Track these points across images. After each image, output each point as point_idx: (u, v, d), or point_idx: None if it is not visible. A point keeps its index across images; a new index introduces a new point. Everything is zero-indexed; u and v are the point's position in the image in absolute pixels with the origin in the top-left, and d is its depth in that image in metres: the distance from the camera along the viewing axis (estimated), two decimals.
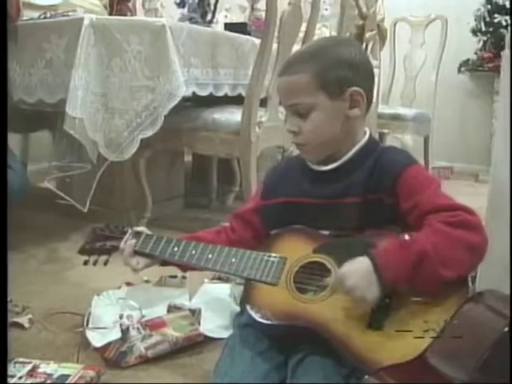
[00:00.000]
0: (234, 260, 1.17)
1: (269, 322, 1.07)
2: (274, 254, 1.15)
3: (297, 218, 1.18)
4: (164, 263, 1.30)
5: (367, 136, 1.20)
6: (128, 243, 1.28)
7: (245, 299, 1.15)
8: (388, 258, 1.01)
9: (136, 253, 1.27)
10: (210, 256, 1.20)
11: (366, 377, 0.90)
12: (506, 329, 0.86)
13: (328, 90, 1.13)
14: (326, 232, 1.15)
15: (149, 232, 1.31)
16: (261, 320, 1.08)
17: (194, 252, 1.21)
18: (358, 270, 1.01)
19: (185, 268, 1.33)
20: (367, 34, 2.93)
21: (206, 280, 1.66)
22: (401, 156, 1.16)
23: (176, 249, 1.23)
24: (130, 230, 1.31)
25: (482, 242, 1.02)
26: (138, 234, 1.29)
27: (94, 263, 1.35)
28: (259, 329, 1.11)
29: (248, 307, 1.11)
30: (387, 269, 0.99)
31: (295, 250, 1.14)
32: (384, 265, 1.00)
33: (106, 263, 1.35)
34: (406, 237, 1.02)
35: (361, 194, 1.12)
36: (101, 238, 1.36)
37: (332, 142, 1.17)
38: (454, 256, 1.00)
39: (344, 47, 1.20)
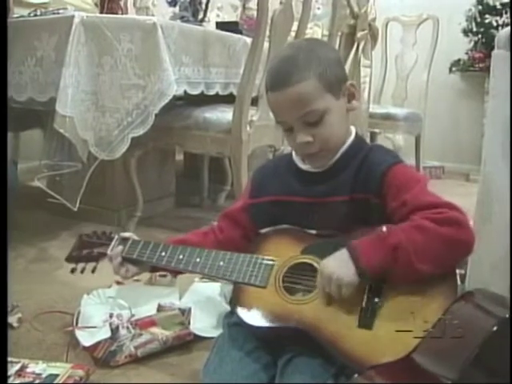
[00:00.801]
0: (221, 263, 1.17)
1: (259, 325, 1.07)
2: (261, 256, 1.15)
3: (285, 217, 1.19)
4: (153, 269, 1.29)
5: (353, 134, 1.21)
6: (115, 250, 1.26)
7: (234, 301, 1.14)
8: (363, 246, 1.03)
9: (123, 259, 1.25)
10: (198, 260, 1.19)
11: (355, 376, 0.90)
12: (495, 328, 0.87)
13: (332, 90, 1.13)
14: (313, 231, 1.15)
15: (136, 237, 1.29)
16: (251, 323, 1.07)
17: (181, 256, 1.21)
18: (335, 259, 1.05)
19: (175, 272, 1.32)
20: (359, 34, 2.94)
21: (195, 279, 1.66)
22: (386, 155, 1.17)
23: (163, 253, 1.22)
24: (116, 236, 1.30)
25: (466, 237, 1.03)
26: (124, 240, 1.28)
27: (82, 271, 1.33)
28: (249, 329, 1.11)
29: (238, 310, 1.10)
30: (362, 255, 1.02)
31: (283, 251, 1.14)
32: (359, 252, 1.02)
33: (93, 270, 1.33)
34: (384, 228, 1.04)
35: (348, 194, 1.13)
36: (88, 245, 1.34)
37: (341, 142, 1.18)
38: (432, 251, 1.00)
39: (326, 47, 1.25)
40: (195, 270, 1.20)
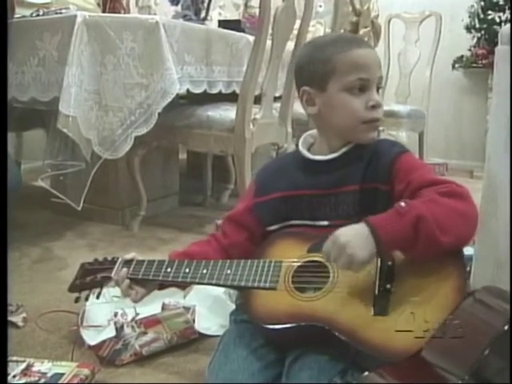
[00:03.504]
0: (228, 272, 1.15)
1: (276, 327, 1.05)
2: (268, 259, 1.14)
3: (295, 211, 1.18)
4: (161, 286, 1.26)
5: None
6: (120, 273, 1.23)
7: (245, 307, 1.12)
8: (384, 221, 1.01)
9: (130, 280, 1.22)
10: (205, 271, 1.17)
11: (365, 374, 0.88)
12: (506, 327, 0.86)
13: None
14: (324, 222, 1.15)
15: (139, 258, 1.26)
16: (267, 326, 1.05)
17: (187, 270, 1.18)
18: (352, 231, 1.02)
19: (183, 286, 1.31)
20: (361, 31, 2.94)
21: None
22: (394, 146, 1.18)
23: (169, 270, 1.20)
24: (119, 259, 1.26)
25: (472, 210, 1.05)
26: (128, 262, 1.24)
27: (86, 298, 1.29)
28: (260, 331, 1.09)
29: (251, 315, 1.09)
30: (383, 230, 0.99)
31: (290, 252, 1.14)
32: (380, 227, 0.99)
33: (98, 296, 1.28)
34: (402, 204, 1.02)
35: (358, 183, 1.13)
36: (90, 272, 1.29)
37: None
38: (449, 222, 1.00)
39: None
40: (203, 281, 1.17)
